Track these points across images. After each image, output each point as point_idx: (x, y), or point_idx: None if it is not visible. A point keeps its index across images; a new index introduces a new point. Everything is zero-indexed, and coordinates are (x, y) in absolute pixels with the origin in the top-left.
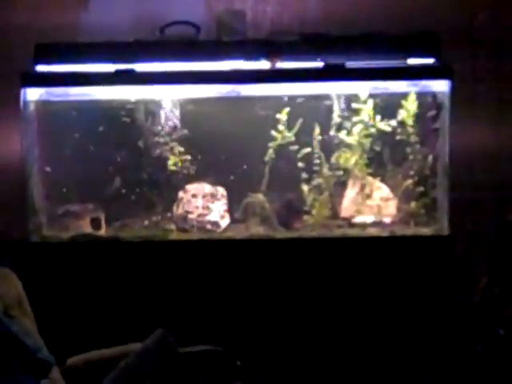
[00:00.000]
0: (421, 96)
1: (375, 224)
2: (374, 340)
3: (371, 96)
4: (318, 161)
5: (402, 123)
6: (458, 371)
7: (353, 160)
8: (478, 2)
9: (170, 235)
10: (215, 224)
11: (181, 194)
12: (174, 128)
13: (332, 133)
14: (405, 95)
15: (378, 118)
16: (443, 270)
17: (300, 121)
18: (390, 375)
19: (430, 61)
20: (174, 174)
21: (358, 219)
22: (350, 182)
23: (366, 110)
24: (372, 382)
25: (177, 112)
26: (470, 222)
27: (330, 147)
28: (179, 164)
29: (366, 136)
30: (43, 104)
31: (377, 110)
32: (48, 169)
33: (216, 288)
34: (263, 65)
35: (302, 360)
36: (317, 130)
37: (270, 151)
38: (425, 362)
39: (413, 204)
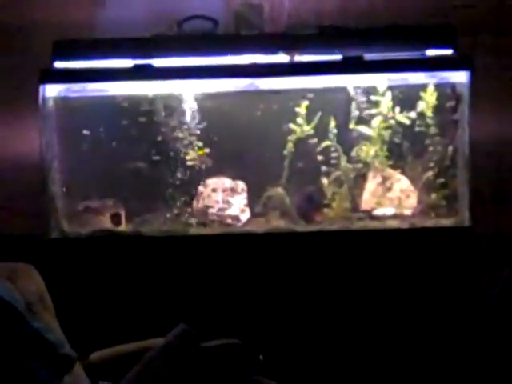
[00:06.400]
0: (440, 87)
1: (396, 216)
2: (395, 332)
3: (390, 88)
4: (337, 154)
5: (421, 115)
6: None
7: (372, 152)
8: None
9: (190, 230)
10: (235, 218)
11: (201, 188)
12: (193, 122)
13: (351, 125)
14: (424, 87)
15: (398, 109)
16: (464, 261)
17: (319, 114)
18: (412, 369)
19: (448, 52)
20: (193, 169)
21: (378, 212)
22: (370, 175)
23: (385, 102)
24: (395, 375)
25: (195, 106)
26: (492, 213)
27: (349, 140)
28: (198, 158)
29: (386, 128)
30: (62, 100)
31: (396, 101)
32: (67, 165)
33: (237, 282)
34: (281, 58)
35: (322, 354)
36: (336, 123)
37: (290, 145)
38: (447, 356)
39: (433, 196)
